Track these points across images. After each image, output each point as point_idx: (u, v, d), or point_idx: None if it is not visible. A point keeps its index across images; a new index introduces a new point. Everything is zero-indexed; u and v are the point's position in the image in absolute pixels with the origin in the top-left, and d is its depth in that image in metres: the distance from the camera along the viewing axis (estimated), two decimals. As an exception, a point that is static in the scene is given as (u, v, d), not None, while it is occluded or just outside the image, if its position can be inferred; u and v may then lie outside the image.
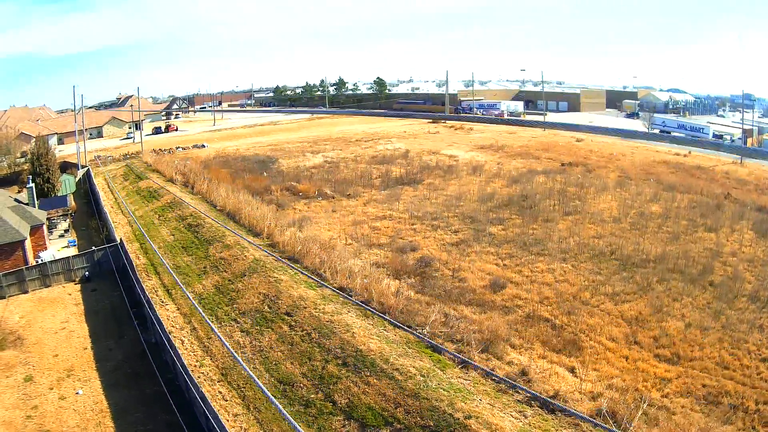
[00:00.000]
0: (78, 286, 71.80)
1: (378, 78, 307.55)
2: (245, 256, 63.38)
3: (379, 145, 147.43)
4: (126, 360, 51.34)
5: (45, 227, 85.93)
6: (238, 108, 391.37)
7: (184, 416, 40.71)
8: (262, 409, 38.80)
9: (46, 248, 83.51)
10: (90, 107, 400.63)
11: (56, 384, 48.08)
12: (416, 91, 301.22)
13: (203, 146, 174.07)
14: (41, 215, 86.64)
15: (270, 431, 36.87)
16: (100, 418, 42.59)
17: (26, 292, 70.90)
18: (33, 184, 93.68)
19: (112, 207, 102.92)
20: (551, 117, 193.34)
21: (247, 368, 42.23)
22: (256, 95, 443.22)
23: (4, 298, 69.94)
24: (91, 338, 56.20)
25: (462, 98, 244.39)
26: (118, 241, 75.87)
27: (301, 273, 57.33)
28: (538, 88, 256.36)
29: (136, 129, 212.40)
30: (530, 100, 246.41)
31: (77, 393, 46.41)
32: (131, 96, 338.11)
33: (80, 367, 50.73)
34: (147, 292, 58.83)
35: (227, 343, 46.56)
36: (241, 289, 55.91)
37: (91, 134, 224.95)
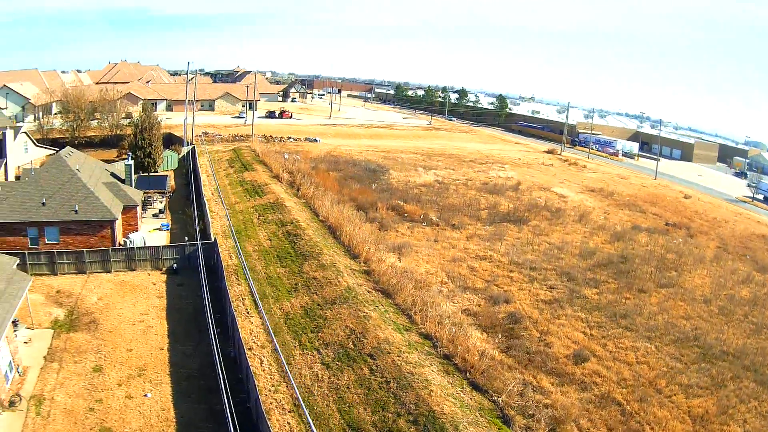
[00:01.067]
0: (164, 277, 74.62)
1: (500, 95, 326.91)
2: (339, 281, 64.70)
3: (492, 170, 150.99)
4: (201, 369, 53.10)
5: (139, 207, 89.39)
6: (359, 97, 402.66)
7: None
8: (329, 453, 40.14)
9: (137, 229, 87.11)
10: (206, 74, 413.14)
11: (126, 381, 50.29)
12: (536, 115, 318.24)
13: (315, 141, 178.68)
14: (137, 196, 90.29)
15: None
16: (164, 427, 44.41)
17: (109, 272, 74.59)
18: (132, 162, 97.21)
19: (212, 194, 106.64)
20: (663, 164, 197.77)
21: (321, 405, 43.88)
22: (376, 89, 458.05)
23: (85, 273, 73.92)
24: (169, 338, 58.46)
25: (580, 130, 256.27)
26: (213, 240, 78.57)
27: (392, 311, 58.89)
28: (654, 131, 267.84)
29: (249, 108, 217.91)
30: (646, 142, 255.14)
31: (146, 395, 48.42)
32: (249, 72, 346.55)
33: (153, 367, 52.89)
34: (233, 301, 61.05)
35: (306, 373, 48.39)
36: (329, 318, 57.23)
37: (202, 106, 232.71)
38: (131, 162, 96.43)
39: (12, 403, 46.62)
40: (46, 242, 78.87)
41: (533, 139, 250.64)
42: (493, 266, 78.05)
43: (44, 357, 54.06)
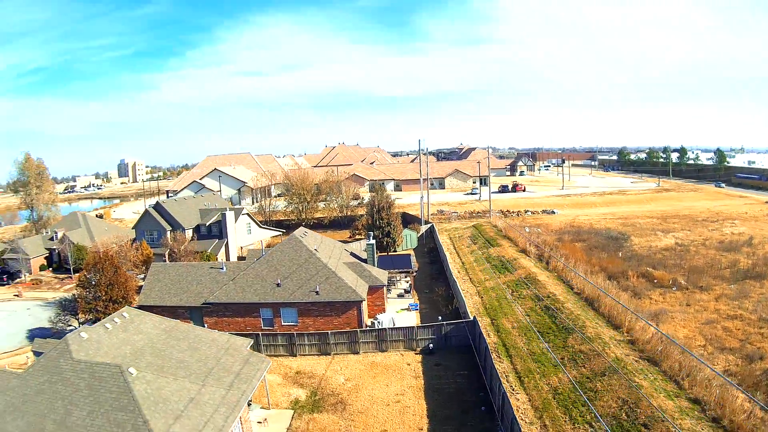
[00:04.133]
0: (419, 357, 73.18)
1: (718, 149, 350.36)
2: (606, 352, 62.93)
3: (725, 227, 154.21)
4: (466, 452, 50.58)
5: (385, 288, 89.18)
6: (582, 165, 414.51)
7: None
8: None
9: (383, 310, 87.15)
10: (429, 153, 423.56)
11: (381, 462, 49.11)
12: (752, 165, 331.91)
13: (553, 212, 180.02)
14: (382, 276, 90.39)
15: None
16: None
17: (356, 353, 74.59)
18: (373, 241, 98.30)
19: (458, 272, 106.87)
20: None
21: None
22: (599, 156, 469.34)
23: (329, 354, 74.32)
24: (428, 419, 56.45)
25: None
26: (472, 318, 76.19)
27: (660, 378, 57.32)
28: None
29: (482, 185, 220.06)
30: None
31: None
32: (474, 149, 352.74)
33: (412, 451, 51.38)
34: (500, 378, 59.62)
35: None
36: (600, 390, 55.51)
37: (432, 184, 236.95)
38: (372, 241, 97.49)
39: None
40: (282, 324, 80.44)
41: (753, 190, 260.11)
42: (744, 325, 78.54)
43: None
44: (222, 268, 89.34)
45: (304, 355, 75.37)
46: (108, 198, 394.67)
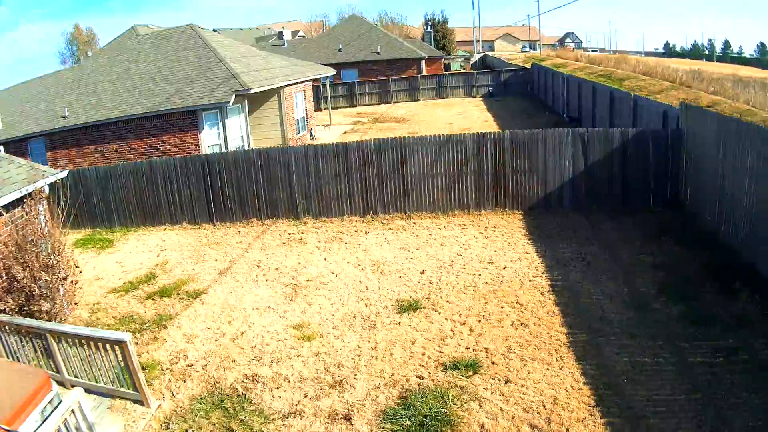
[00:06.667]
0: (479, 99, 74.54)
1: (761, 43, 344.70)
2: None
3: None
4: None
5: (443, 59, 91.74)
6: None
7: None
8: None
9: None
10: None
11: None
12: None
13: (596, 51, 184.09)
14: (439, 52, 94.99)
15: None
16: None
17: (416, 100, 76.02)
18: (431, 30, 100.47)
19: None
20: None
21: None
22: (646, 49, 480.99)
23: (389, 103, 75.73)
24: (495, 121, 57.02)
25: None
26: (530, 66, 78.79)
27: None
28: None
29: (531, 49, 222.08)
30: None
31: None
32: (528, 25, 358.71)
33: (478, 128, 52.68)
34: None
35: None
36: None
37: (482, 47, 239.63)
38: (430, 30, 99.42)
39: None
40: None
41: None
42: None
43: (343, 133, 55.15)
44: (284, 44, 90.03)
45: (364, 105, 76.45)
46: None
